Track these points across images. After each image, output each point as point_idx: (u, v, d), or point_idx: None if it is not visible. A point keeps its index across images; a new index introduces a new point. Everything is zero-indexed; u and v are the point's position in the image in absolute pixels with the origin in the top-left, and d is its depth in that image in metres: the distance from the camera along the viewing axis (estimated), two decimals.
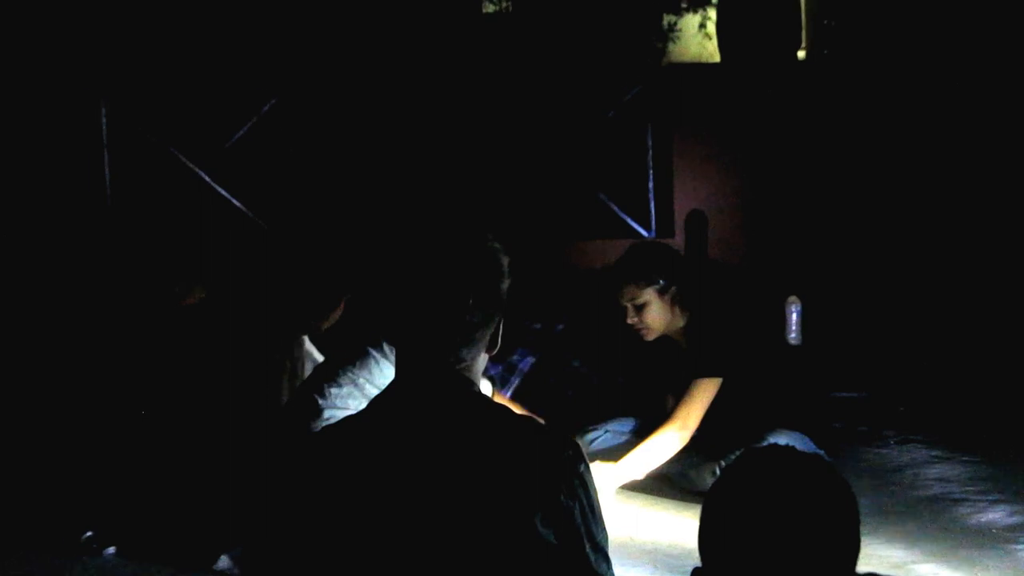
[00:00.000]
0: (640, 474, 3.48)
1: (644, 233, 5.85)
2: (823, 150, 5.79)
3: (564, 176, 5.88)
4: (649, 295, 3.46)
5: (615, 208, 5.90)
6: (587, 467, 1.69)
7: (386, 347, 3.06)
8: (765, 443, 3.15)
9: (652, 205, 5.91)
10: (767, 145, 5.83)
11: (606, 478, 3.36)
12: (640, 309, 3.47)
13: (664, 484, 3.56)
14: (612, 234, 5.73)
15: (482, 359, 1.77)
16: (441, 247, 1.74)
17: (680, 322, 3.54)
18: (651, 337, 3.53)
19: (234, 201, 5.71)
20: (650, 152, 5.91)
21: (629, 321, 3.49)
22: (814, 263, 5.60)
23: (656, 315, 3.48)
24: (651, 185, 5.91)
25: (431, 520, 1.60)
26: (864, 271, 5.61)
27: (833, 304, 5.24)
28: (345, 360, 3.12)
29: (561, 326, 4.28)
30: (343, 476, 1.66)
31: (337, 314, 3.41)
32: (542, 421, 1.93)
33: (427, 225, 1.81)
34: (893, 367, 4.97)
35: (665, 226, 5.86)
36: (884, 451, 3.99)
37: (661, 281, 3.46)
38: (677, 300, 3.50)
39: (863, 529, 1.52)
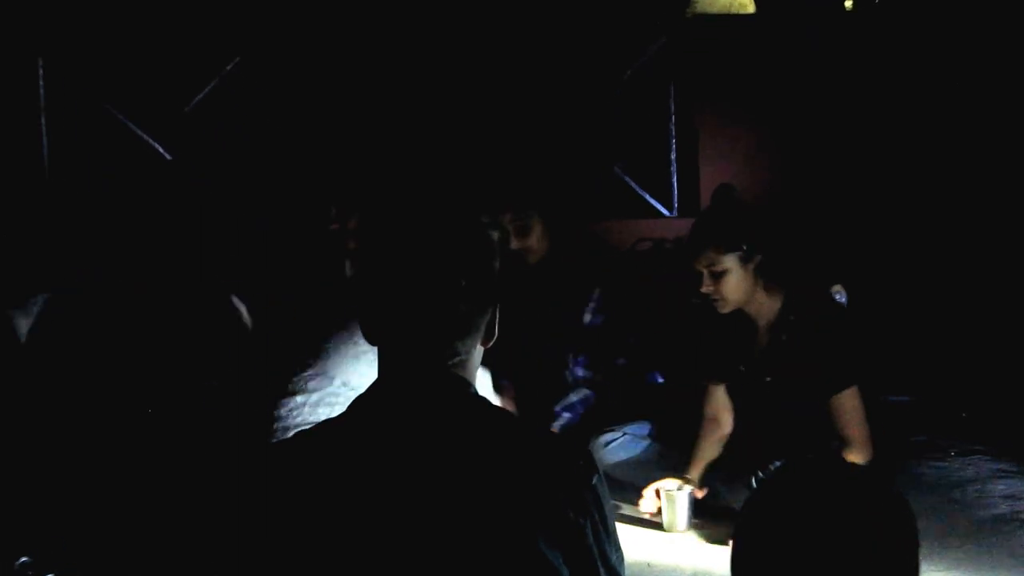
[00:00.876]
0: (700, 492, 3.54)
1: (664, 211, 5.82)
2: (873, 116, 5.71)
3: (573, 147, 5.84)
4: (730, 262, 3.43)
5: (631, 183, 5.87)
6: (601, 479, 1.68)
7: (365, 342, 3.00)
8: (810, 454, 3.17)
9: (674, 179, 5.88)
10: (808, 110, 5.75)
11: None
12: (718, 277, 3.44)
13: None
14: (626, 213, 5.72)
15: (477, 353, 1.75)
16: (425, 223, 1.73)
17: (766, 300, 3.51)
18: (726, 310, 3.50)
19: (192, 173, 5.69)
20: (672, 118, 5.87)
21: (704, 289, 3.46)
22: (860, 247, 5.56)
23: (735, 286, 3.45)
24: (673, 156, 5.87)
25: (421, 543, 1.59)
26: (918, 256, 5.57)
27: (881, 294, 5.18)
28: (315, 361, 3.04)
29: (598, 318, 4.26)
30: (319, 493, 1.63)
31: None
32: (545, 426, 1.91)
33: (410, 201, 1.79)
34: (949, 366, 4.95)
35: (689, 203, 5.82)
36: (943, 464, 4.00)
37: (745, 247, 3.44)
38: (762, 273, 3.47)
39: (921, 554, 1.51)
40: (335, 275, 3.27)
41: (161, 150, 5.68)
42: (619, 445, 3.80)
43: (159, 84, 5.68)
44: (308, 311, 3.13)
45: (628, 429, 3.85)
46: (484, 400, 1.75)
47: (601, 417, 4.00)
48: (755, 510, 1.53)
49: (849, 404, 3.42)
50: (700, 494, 3.54)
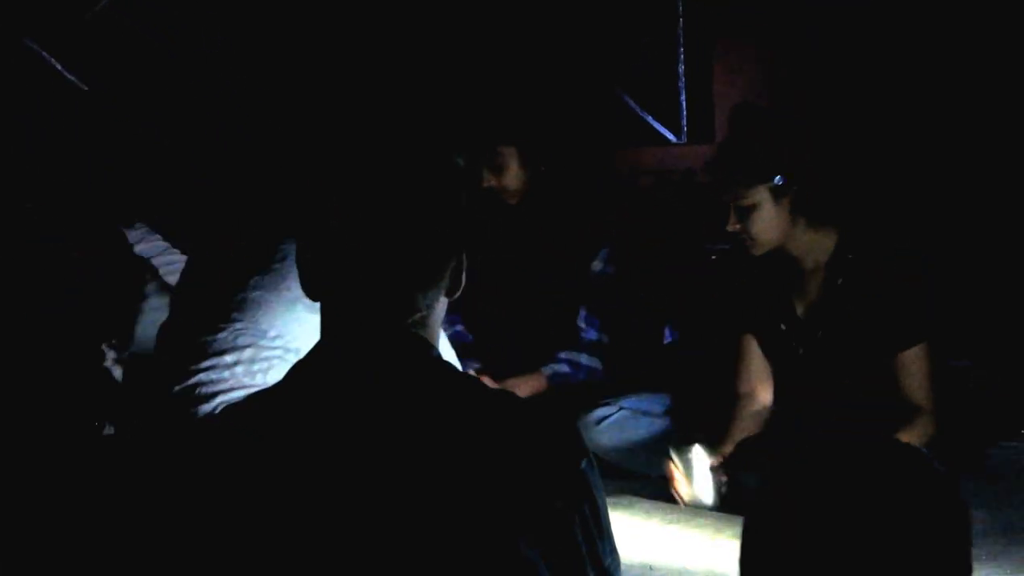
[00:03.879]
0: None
1: (672, 138, 5.79)
2: (916, 30, 5.70)
3: (559, 63, 5.78)
4: (760, 195, 3.41)
5: (633, 105, 5.83)
6: (591, 463, 1.68)
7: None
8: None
9: (683, 100, 5.84)
10: (839, 18, 5.70)
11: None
12: (745, 213, 3.42)
13: None
14: (629, 140, 5.72)
15: (441, 307, 1.76)
16: (377, 151, 1.74)
17: (813, 238, 3.48)
18: (757, 252, 3.49)
19: (94, 93, 5.64)
20: (680, 29, 5.82)
21: (729, 228, 3.44)
22: (900, 186, 5.54)
23: (766, 224, 3.43)
24: (681, 71, 5.83)
25: (376, 543, 1.58)
26: (970, 197, 5.56)
27: (926, 239, 5.19)
28: (245, 313, 2.97)
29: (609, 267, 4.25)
30: (252, 484, 1.62)
31: None
32: (525, 397, 1.90)
33: (358, 125, 1.77)
34: (1014, 326, 4.94)
35: (701, 128, 5.80)
36: (1012, 445, 4.00)
37: (778, 178, 3.40)
38: (801, 208, 3.44)
39: (982, 551, 1.48)
40: (262, 210, 3.24)
41: (60, 67, 5.66)
42: (615, 423, 3.78)
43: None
44: (230, 251, 3.10)
45: (627, 402, 3.82)
46: (449, 366, 1.75)
47: (599, 387, 3.99)
48: (769, 501, 1.53)
49: (918, 364, 3.42)
50: (716, 461, 3.48)
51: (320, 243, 1.71)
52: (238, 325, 2.96)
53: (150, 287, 3.53)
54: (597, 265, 4.15)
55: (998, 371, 4.55)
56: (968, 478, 3.45)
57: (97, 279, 3.34)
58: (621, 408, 3.81)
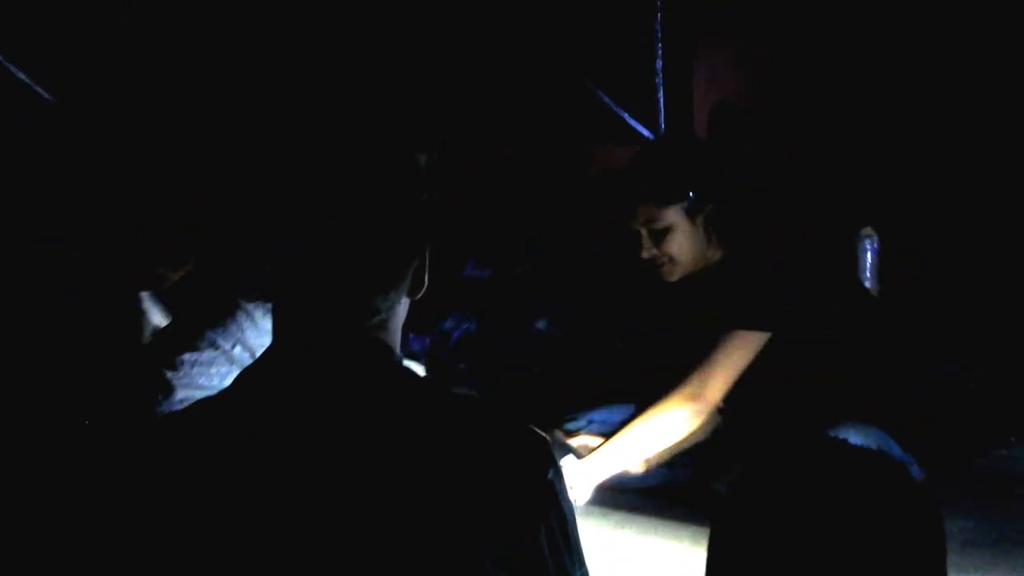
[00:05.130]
0: (634, 465, 3.44)
1: (648, 135, 5.74)
2: (911, 18, 5.71)
3: (532, 54, 5.77)
4: (673, 216, 3.43)
5: (606, 99, 5.82)
6: (559, 472, 1.67)
7: (262, 298, 3.00)
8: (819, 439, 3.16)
9: (660, 96, 5.82)
10: (829, 9, 5.74)
11: (578, 478, 3.34)
12: (660, 236, 3.44)
13: (675, 500, 3.57)
14: (602, 136, 5.70)
15: (402, 308, 1.75)
16: (331, 147, 1.72)
17: (715, 256, 3.51)
18: (675, 276, 3.50)
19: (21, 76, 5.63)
20: (658, 16, 5.81)
21: (645, 254, 3.45)
22: (895, 183, 5.53)
23: (683, 244, 3.46)
24: (659, 66, 5.81)
25: (331, 556, 1.56)
26: (966, 196, 5.57)
27: (920, 239, 5.23)
28: (205, 317, 3.04)
29: (525, 267, 4.28)
30: (194, 489, 1.60)
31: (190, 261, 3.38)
32: (491, 406, 1.90)
33: (315, 118, 1.76)
34: (1005, 329, 4.98)
35: (679, 126, 5.78)
36: (1001, 453, 4.05)
37: (691, 196, 3.41)
38: (712, 225, 3.46)
39: (972, 561, 1.50)
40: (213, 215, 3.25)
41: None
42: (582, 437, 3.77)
43: None
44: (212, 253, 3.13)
45: (596, 415, 3.83)
46: (410, 372, 1.74)
47: (566, 402, 3.99)
48: (733, 510, 1.54)
49: (732, 348, 3.40)
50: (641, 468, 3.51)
51: (274, 241, 1.71)
52: (200, 330, 3.02)
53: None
54: (521, 268, 4.20)
55: (987, 377, 4.58)
56: (957, 487, 3.49)
57: (96, 280, 3.34)
58: (590, 421, 3.79)
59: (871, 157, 5.58)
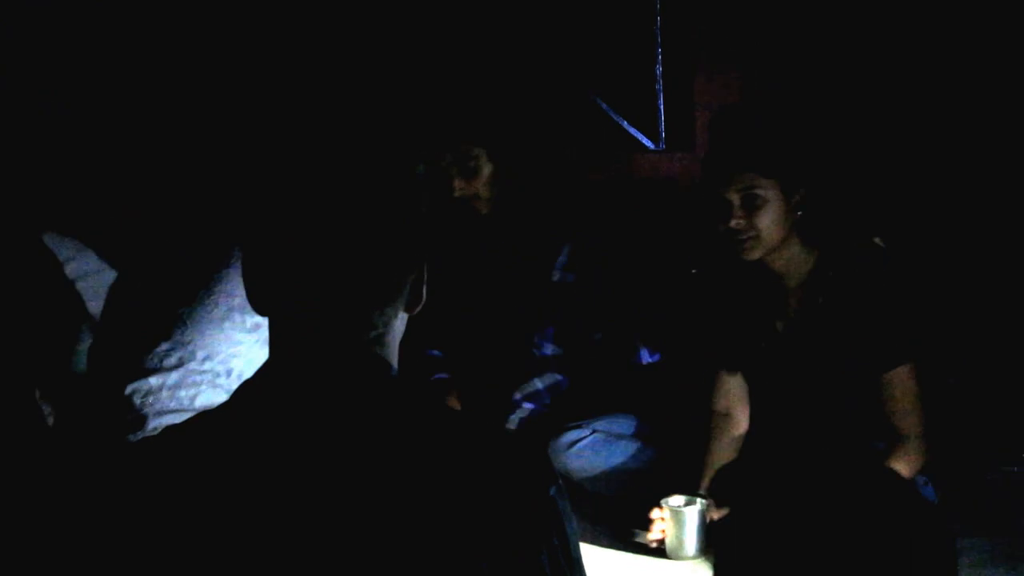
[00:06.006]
0: None
1: (648, 144, 5.77)
2: (920, 24, 5.69)
3: (531, 64, 5.77)
4: (771, 191, 3.41)
5: (604, 106, 5.82)
6: (561, 490, 1.66)
7: (227, 306, 2.92)
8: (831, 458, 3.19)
9: (660, 103, 5.82)
10: (836, 12, 5.70)
11: None
12: (752, 206, 3.41)
13: None
14: (599, 144, 5.69)
15: (400, 323, 1.74)
16: (331, 154, 1.70)
17: (800, 253, 3.49)
18: (755, 254, 3.47)
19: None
20: (658, 21, 5.81)
21: (733, 223, 3.41)
22: (903, 192, 5.50)
23: (772, 221, 3.42)
24: (659, 72, 5.82)
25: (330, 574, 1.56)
26: (972, 205, 5.57)
27: (929, 249, 5.16)
28: (166, 332, 2.94)
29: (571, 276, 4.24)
30: (195, 514, 1.60)
31: None
32: (490, 422, 1.89)
33: (312, 126, 1.75)
34: (1014, 343, 4.96)
35: (679, 134, 5.79)
36: (1012, 470, 4.04)
37: (794, 176, 3.41)
38: (800, 216, 3.45)
39: None
40: (200, 219, 3.21)
41: None
42: (588, 447, 3.75)
43: None
44: (160, 266, 3.08)
45: (599, 424, 3.81)
46: (409, 387, 1.72)
47: (567, 409, 3.98)
48: (745, 534, 1.53)
49: (904, 386, 3.40)
50: (717, 514, 3.35)
51: (267, 254, 1.70)
52: (164, 346, 2.93)
53: (84, 329, 3.48)
54: (555, 275, 4.14)
55: (997, 392, 4.57)
56: (968, 504, 3.50)
57: (25, 312, 3.31)
58: (594, 431, 3.77)
59: (878, 165, 5.58)
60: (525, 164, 4.32)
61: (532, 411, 4.02)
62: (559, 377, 4.09)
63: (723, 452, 3.59)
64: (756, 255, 3.46)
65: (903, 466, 3.26)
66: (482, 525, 1.58)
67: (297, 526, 1.57)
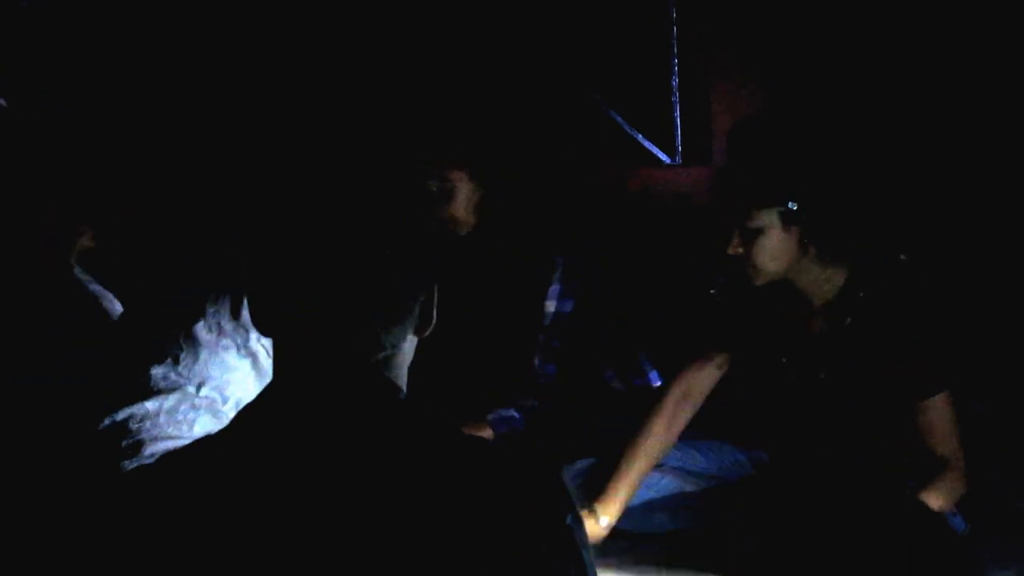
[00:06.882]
0: None
1: (664, 159, 5.76)
2: (946, 35, 5.65)
3: (543, 72, 5.75)
4: (768, 219, 3.41)
5: (619, 119, 5.81)
6: (578, 518, 1.68)
7: (221, 330, 2.92)
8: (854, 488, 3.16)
9: (677, 115, 5.81)
10: (855, 24, 5.67)
11: None
12: (750, 237, 3.42)
13: (682, 551, 3.55)
14: (614, 159, 5.68)
15: (408, 347, 1.75)
16: (339, 171, 1.70)
17: (821, 273, 3.48)
18: (757, 281, 3.48)
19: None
20: (674, 33, 5.80)
21: (731, 251, 3.43)
22: (931, 208, 5.46)
23: (771, 251, 3.43)
24: (675, 84, 5.81)
25: None
26: (997, 224, 5.56)
27: (958, 269, 5.09)
28: (160, 355, 2.94)
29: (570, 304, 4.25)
30: (195, 547, 1.59)
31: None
32: (507, 447, 1.90)
33: (315, 143, 1.76)
34: None
35: (697, 149, 5.78)
36: None
37: (792, 204, 3.40)
38: (812, 238, 3.43)
39: None
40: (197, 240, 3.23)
41: None
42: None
43: None
44: (160, 288, 3.08)
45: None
46: (420, 411, 1.73)
47: (580, 440, 3.97)
48: (774, 565, 1.53)
49: (941, 413, 3.39)
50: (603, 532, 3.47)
51: (272, 271, 1.70)
52: (160, 370, 2.92)
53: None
54: (550, 305, 4.14)
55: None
56: (997, 535, 3.47)
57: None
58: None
59: (904, 180, 5.57)
60: (519, 181, 4.30)
61: (511, 419, 4.03)
62: (535, 403, 4.09)
63: (647, 456, 3.62)
64: (758, 282, 3.49)
65: (942, 498, 3.28)
66: (498, 554, 1.58)
67: (304, 555, 1.57)
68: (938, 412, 3.37)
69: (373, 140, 1.69)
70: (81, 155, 4.63)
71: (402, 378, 1.74)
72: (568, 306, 4.13)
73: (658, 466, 3.71)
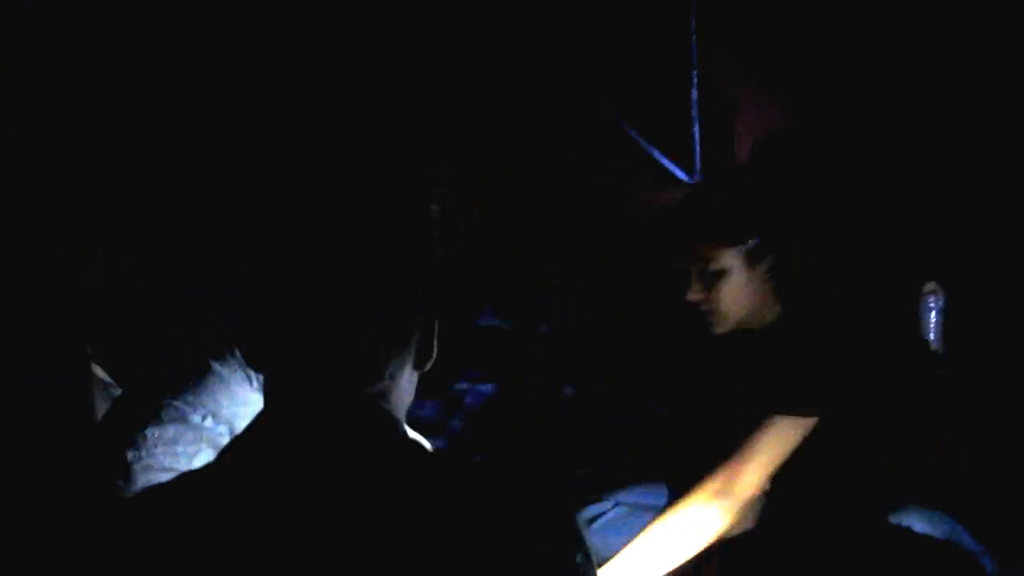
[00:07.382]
0: None
1: (682, 176, 5.74)
2: (969, 48, 5.63)
3: (559, 88, 5.75)
4: (731, 260, 3.34)
5: (636, 137, 5.78)
6: (588, 558, 1.69)
7: (236, 362, 2.88)
8: (882, 527, 3.07)
9: (695, 132, 5.80)
10: (878, 38, 5.67)
11: None
12: (712, 279, 3.35)
13: None
14: (630, 176, 5.68)
15: (407, 381, 1.74)
16: (338, 187, 1.69)
17: (770, 315, 3.42)
18: (722, 327, 3.42)
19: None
20: (694, 50, 5.79)
21: (692, 297, 3.36)
22: (963, 234, 5.46)
23: (736, 293, 3.36)
24: (694, 98, 5.79)
25: None
26: (991, 231, 5.55)
27: (990, 297, 5.16)
28: (168, 382, 2.89)
29: (546, 326, 4.27)
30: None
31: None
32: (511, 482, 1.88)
33: (306, 157, 1.72)
34: None
35: (716, 167, 5.75)
36: None
37: (753, 240, 3.33)
38: (772, 277, 3.37)
39: None
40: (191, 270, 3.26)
41: None
42: (611, 522, 3.67)
43: None
44: (157, 319, 3.10)
45: (624, 496, 3.72)
46: (417, 445, 1.72)
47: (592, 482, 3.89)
48: None
49: (774, 435, 3.24)
50: None
51: (266, 304, 1.66)
52: (165, 399, 2.88)
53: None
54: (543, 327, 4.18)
55: None
56: (1016, 557, 3.42)
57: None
58: (617, 504, 3.71)
59: (936, 204, 5.54)
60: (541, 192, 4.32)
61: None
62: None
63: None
64: (723, 329, 3.45)
65: (693, 512, 3.20)
66: None
67: None
68: (769, 432, 3.25)
69: (379, 169, 1.66)
70: (81, 155, 4.67)
71: (402, 410, 1.74)
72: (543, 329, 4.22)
73: (647, 508, 3.64)
